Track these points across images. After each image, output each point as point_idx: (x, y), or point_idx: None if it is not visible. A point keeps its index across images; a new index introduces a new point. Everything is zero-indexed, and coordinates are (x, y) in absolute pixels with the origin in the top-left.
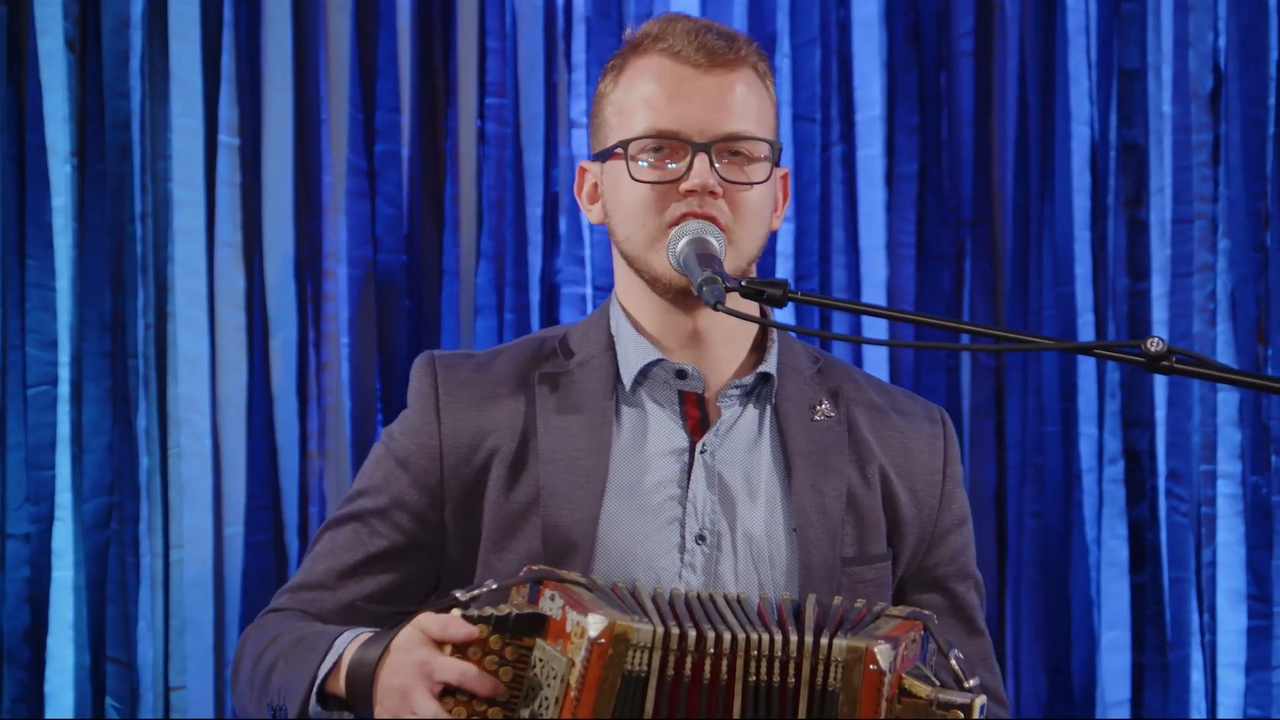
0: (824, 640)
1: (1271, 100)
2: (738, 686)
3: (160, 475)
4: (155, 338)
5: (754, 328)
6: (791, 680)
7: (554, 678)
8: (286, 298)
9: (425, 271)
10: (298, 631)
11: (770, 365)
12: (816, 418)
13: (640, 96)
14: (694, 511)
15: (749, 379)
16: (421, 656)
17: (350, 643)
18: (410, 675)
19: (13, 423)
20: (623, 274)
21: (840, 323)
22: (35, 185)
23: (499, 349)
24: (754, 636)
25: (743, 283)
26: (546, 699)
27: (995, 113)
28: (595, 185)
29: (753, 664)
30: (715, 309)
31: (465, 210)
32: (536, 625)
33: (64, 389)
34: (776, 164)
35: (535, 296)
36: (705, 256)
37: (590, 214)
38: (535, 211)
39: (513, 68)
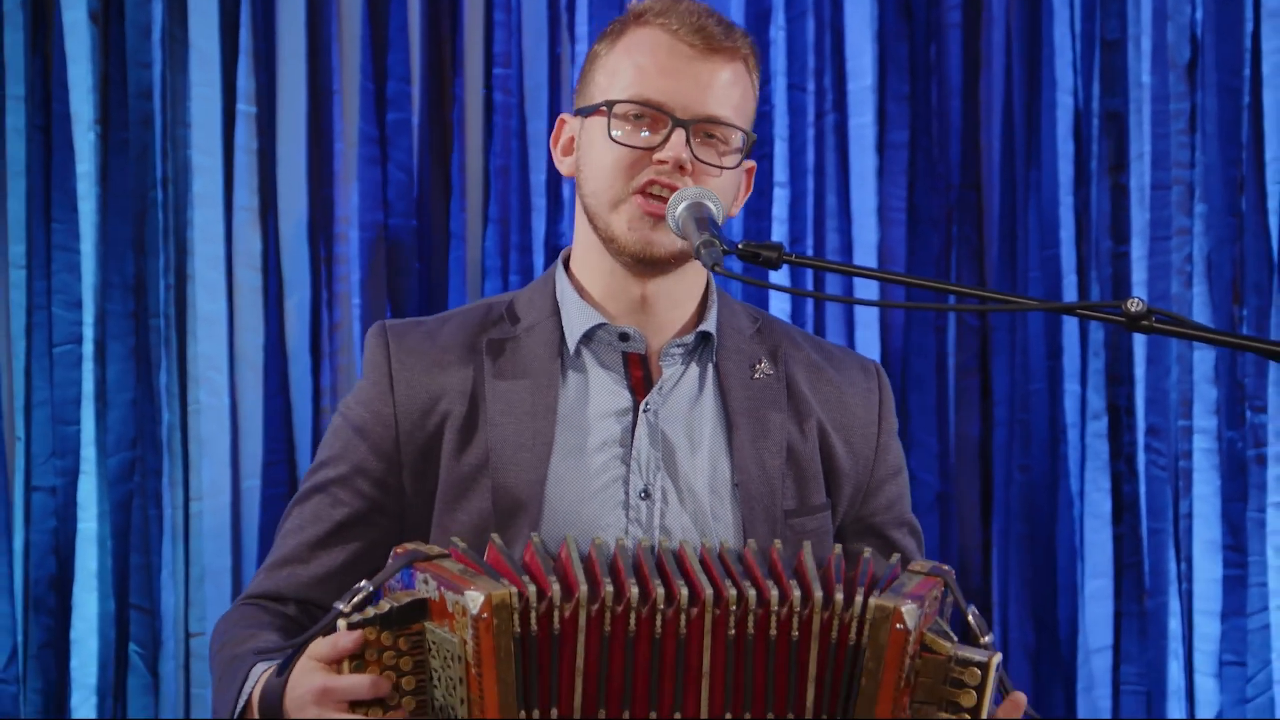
0: (858, 598)
1: (1247, 70)
2: (707, 641)
3: (180, 430)
4: (175, 298)
5: (700, 290)
6: (797, 634)
7: (452, 658)
8: (301, 260)
9: (434, 235)
10: (233, 648)
11: (710, 324)
12: (756, 375)
13: (633, 63)
14: (638, 468)
15: (690, 338)
16: (319, 684)
17: (259, 679)
18: (315, 706)
19: (39, 380)
20: (582, 232)
21: (833, 284)
22: (60, 152)
23: (448, 315)
24: (730, 593)
25: (740, 245)
26: (452, 679)
27: (982, 82)
28: (572, 139)
29: (731, 620)
30: (713, 270)
31: (472, 176)
32: (419, 611)
33: (88, 348)
34: (748, 155)
35: (539, 259)
36: (703, 221)
37: (562, 165)
38: (539, 178)
39: (518, 39)
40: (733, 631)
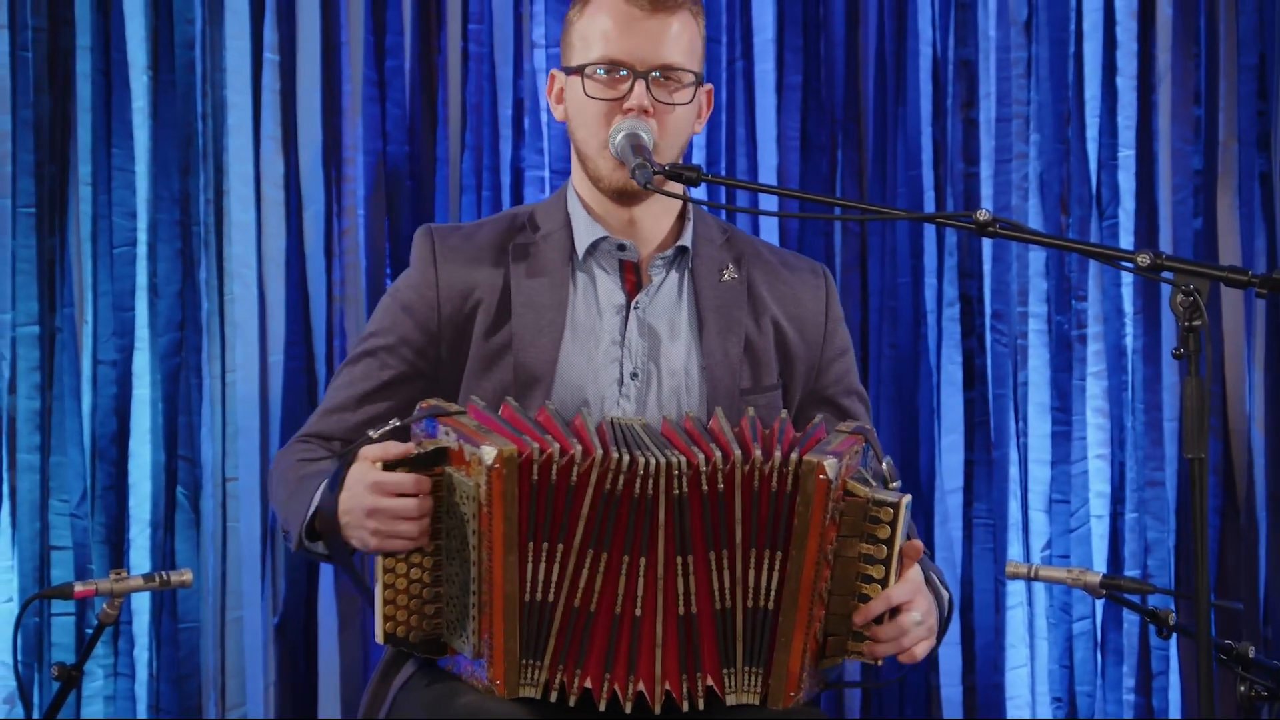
0: (791, 455)
1: (1072, 26)
2: (662, 499)
3: (218, 316)
4: (214, 210)
5: (675, 209)
6: (722, 486)
7: (467, 497)
8: (316, 179)
9: (422, 159)
10: (302, 470)
11: (686, 239)
12: (724, 278)
13: (598, 28)
14: (629, 354)
15: (670, 251)
16: (373, 478)
17: (319, 491)
18: (368, 495)
19: (102, 274)
20: (577, 166)
21: (742, 198)
22: (119, 92)
23: (481, 222)
24: (673, 460)
25: (666, 168)
26: (467, 514)
27: (860, 35)
28: (561, 90)
29: (674, 481)
30: (645, 189)
31: (453, 112)
32: (441, 456)
33: (142, 249)
34: (700, 85)
35: (506, 179)
36: (637, 147)
37: (556, 112)
38: (506, 113)
39: (489, 1)
40: (677, 491)
